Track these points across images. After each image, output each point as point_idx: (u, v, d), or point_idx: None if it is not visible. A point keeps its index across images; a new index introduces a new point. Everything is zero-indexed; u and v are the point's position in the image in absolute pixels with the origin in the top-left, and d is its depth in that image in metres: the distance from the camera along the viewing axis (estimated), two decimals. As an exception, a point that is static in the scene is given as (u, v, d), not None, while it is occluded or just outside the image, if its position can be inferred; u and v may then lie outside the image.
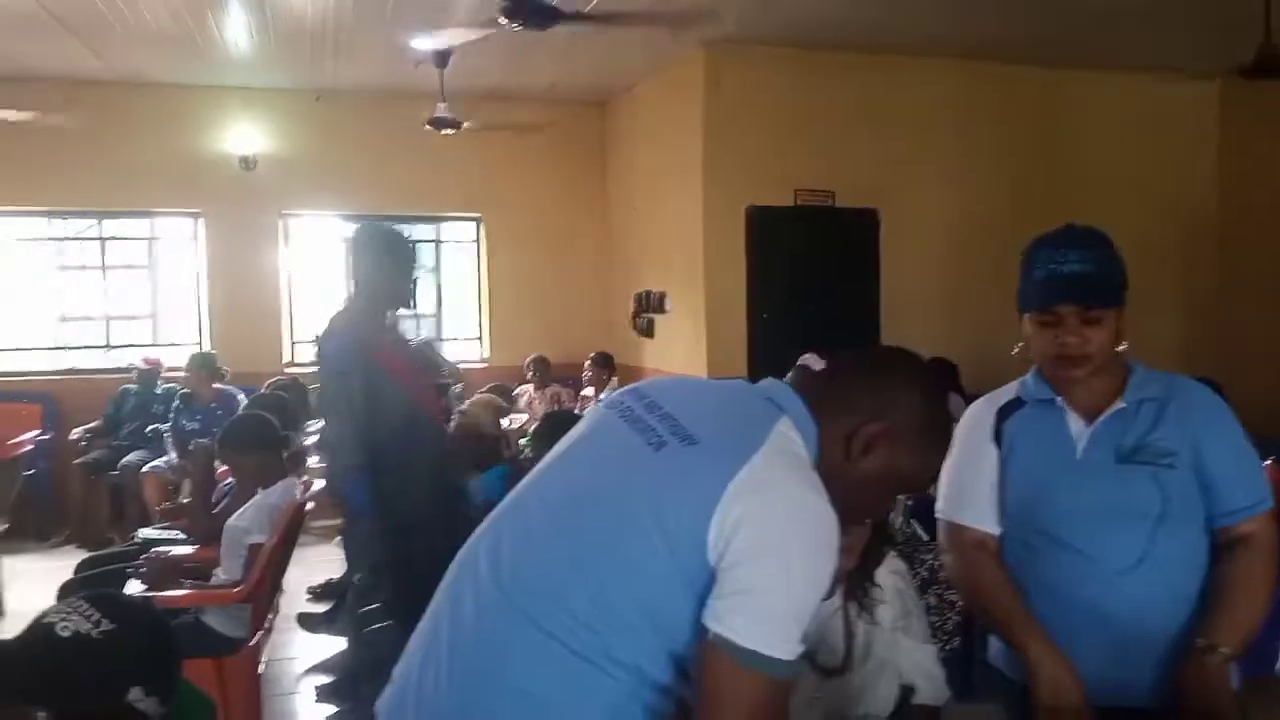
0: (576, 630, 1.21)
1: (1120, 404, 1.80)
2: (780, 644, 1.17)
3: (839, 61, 6.35)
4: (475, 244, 8.20)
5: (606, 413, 1.40)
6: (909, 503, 4.33)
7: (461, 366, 7.32)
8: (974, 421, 1.94)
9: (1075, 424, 1.83)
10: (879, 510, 1.53)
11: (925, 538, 3.98)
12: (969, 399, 2.13)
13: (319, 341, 3.06)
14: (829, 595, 1.79)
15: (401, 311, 3.18)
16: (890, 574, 1.97)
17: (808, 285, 6.52)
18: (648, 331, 7.44)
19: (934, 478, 1.56)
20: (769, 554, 1.18)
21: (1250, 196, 7.07)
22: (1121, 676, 1.74)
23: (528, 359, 7.07)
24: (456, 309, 8.32)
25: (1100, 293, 1.75)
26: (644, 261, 7.54)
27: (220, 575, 3.39)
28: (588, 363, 6.55)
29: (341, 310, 3.10)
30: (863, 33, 5.97)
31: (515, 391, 6.77)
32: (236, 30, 5.96)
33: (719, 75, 6.31)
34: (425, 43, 5.88)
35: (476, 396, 4.40)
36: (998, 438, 1.89)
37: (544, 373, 6.96)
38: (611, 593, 1.21)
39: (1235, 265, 7.13)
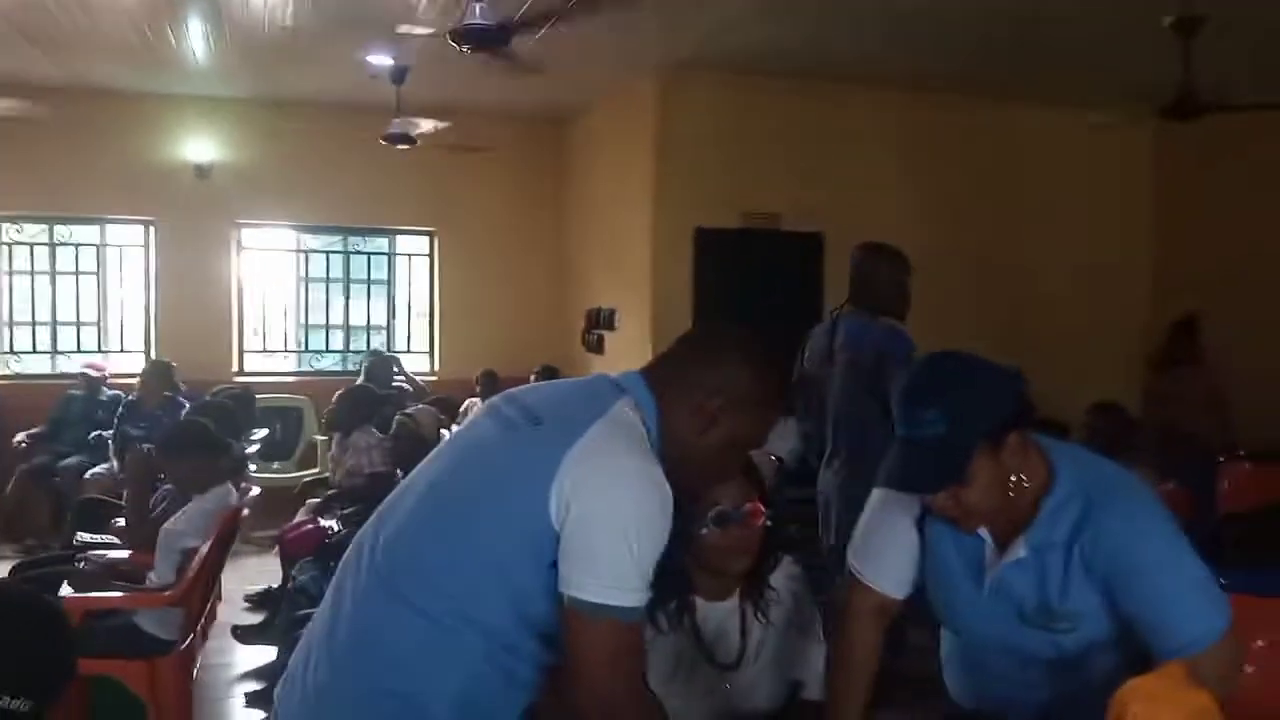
0: (438, 601, 1.36)
1: (1020, 553, 1.60)
2: (626, 594, 1.33)
3: (786, 88, 6.52)
4: (428, 258, 8.27)
5: (480, 411, 1.57)
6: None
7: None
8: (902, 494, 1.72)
9: (989, 552, 1.66)
10: (725, 474, 1.68)
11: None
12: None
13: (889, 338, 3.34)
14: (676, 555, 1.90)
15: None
16: (786, 578, 2.08)
17: (754, 305, 6.66)
18: (597, 348, 7.55)
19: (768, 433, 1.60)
20: (604, 515, 1.33)
21: (1184, 230, 7.33)
22: None
23: (477, 373, 7.14)
24: (408, 322, 8.40)
25: (950, 468, 1.53)
26: (596, 279, 7.66)
27: (153, 579, 3.42)
28: (533, 377, 6.63)
29: (860, 312, 3.47)
30: (808, 61, 6.15)
31: (463, 406, 6.84)
32: (195, 40, 6.01)
33: (671, 99, 6.46)
34: (381, 58, 5.97)
35: (423, 406, 4.56)
36: (920, 526, 1.74)
37: (492, 387, 7.02)
38: (469, 564, 1.36)
39: (1169, 300, 7.35)
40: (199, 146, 7.38)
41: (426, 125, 5.98)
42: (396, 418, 4.29)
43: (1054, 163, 7.22)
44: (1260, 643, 2.23)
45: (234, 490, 3.58)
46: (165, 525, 3.43)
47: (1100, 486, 1.59)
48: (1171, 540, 1.57)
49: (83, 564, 3.49)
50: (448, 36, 3.82)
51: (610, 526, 1.32)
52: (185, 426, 3.72)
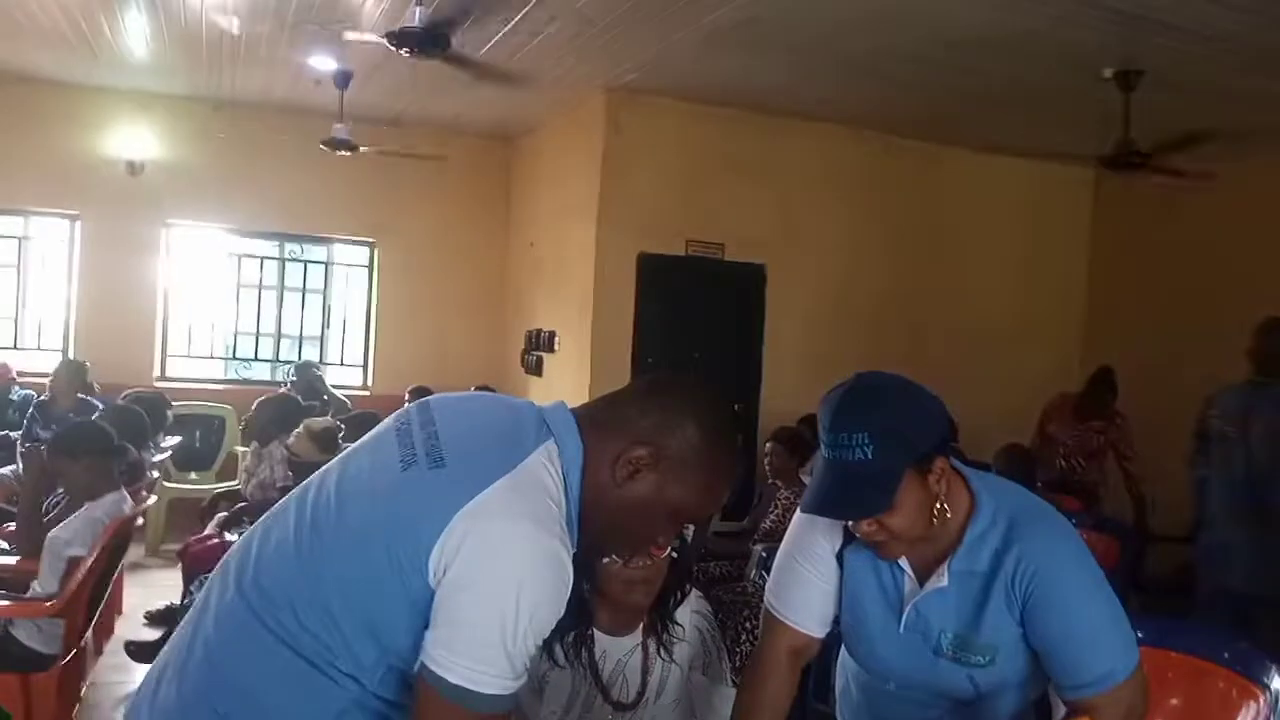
0: (303, 637, 1.21)
1: (943, 581, 1.58)
2: (486, 679, 1.15)
3: (733, 118, 6.52)
4: (367, 270, 8.09)
5: (390, 422, 1.39)
6: (763, 554, 4.41)
7: (343, 394, 7.18)
8: (824, 525, 1.68)
9: (909, 584, 1.63)
10: (647, 539, 1.47)
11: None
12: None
13: None
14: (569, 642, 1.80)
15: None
16: (692, 613, 1.99)
17: (694, 334, 6.61)
18: (536, 370, 7.43)
19: (711, 513, 1.51)
20: (480, 587, 1.16)
21: (1117, 282, 7.46)
22: None
23: (407, 389, 6.97)
24: (343, 334, 8.19)
25: (877, 493, 1.49)
26: (538, 300, 7.55)
27: (37, 588, 3.22)
28: (468, 396, 6.49)
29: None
30: (756, 92, 6.16)
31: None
32: (133, 34, 5.82)
33: (619, 121, 6.41)
34: (324, 62, 5.84)
35: (302, 426, 4.18)
36: (840, 559, 1.69)
37: (423, 405, 6.85)
38: (338, 606, 1.21)
39: (1098, 348, 7.45)
40: (132, 142, 7.14)
41: (366, 148, 5.82)
42: (295, 431, 4.08)
43: (995, 207, 7.32)
44: (1175, 700, 2.18)
45: (128, 498, 3.38)
46: (52, 532, 3.23)
47: (1023, 514, 1.57)
48: (1091, 572, 1.55)
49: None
50: (387, 40, 3.71)
51: (486, 601, 1.15)
52: (79, 428, 3.52)
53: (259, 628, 1.23)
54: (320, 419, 4.37)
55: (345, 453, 1.40)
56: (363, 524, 1.24)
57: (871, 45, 5.12)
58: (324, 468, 1.39)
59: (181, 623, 1.36)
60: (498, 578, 1.16)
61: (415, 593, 1.18)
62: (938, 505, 1.53)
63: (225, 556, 1.37)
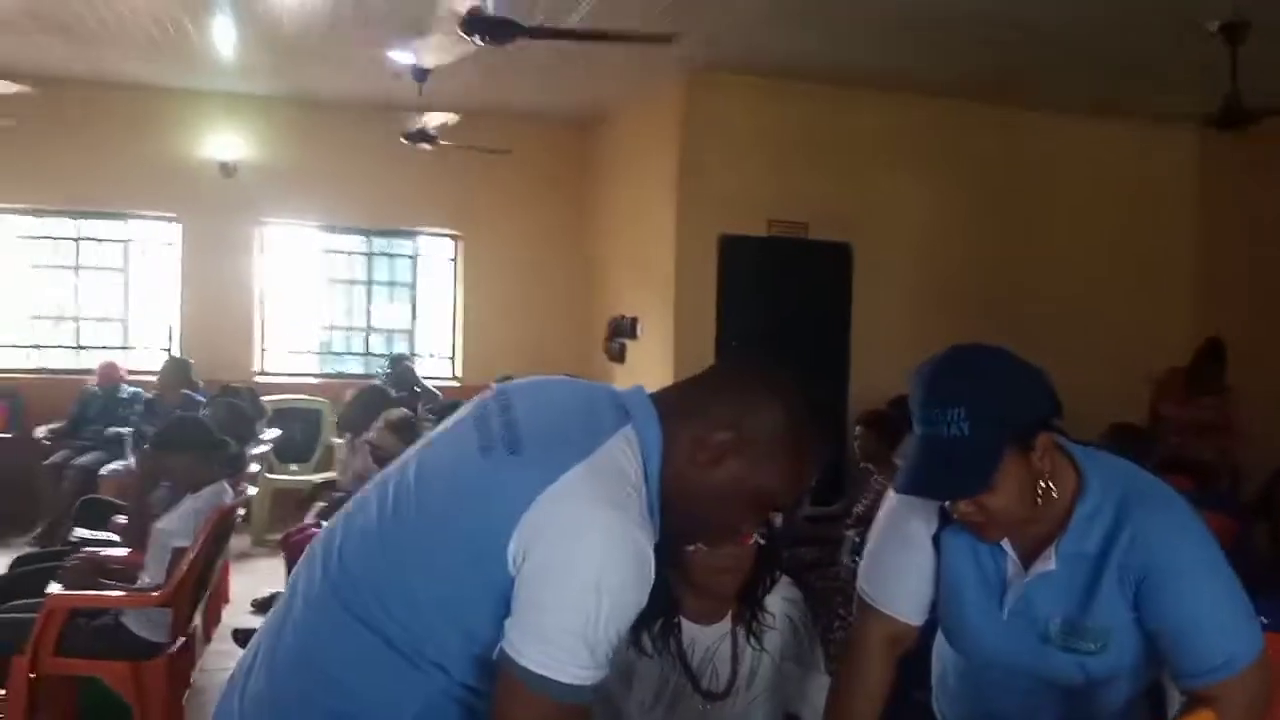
0: (390, 625, 1.21)
1: (1050, 565, 1.48)
2: (565, 667, 1.13)
3: (812, 93, 6.38)
4: (453, 261, 8.20)
5: (468, 409, 1.38)
6: (856, 539, 4.31)
7: (433, 384, 7.30)
8: (920, 506, 1.59)
9: (1012, 568, 1.53)
10: (731, 526, 1.42)
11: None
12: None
13: None
14: (653, 630, 1.76)
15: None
16: (782, 600, 1.93)
17: (779, 315, 6.51)
18: (619, 356, 7.43)
19: (797, 498, 1.46)
20: (559, 573, 1.14)
21: (1231, 248, 7.03)
22: None
23: (495, 379, 7.05)
24: (430, 326, 8.33)
25: (975, 471, 1.40)
26: (620, 286, 7.54)
27: (145, 578, 3.34)
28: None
29: None
30: (836, 67, 6.02)
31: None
32: (218, 36, 5.99)
33: (696, 103, 6.34)
34: (403, 56, 5.91)
35: (381, 419, 4.23)
36: (937, 542, 1.60)
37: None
38: (421, 593, 1.21)
39: (1209, 316, 7.07)
40: (225, 143, 7.36)
41: (438, 119, 5.87)
42: (374, 425, 4.15)
43: (1093, 172, 7.01)
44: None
45: (229, 490, 3.49)
46: (157, 524, 3.36)
47: (1135, 492, 1.48)
48: (1210, 551, 1.45)
49: (72, 561, 3.41)
50: (458, 25, 3.73)
51: (564, 588, 1.13)
52: (179, 423, 3.64)
53: (346, 615, 1.23)
54: (397, 410, 4.43)
55: (425, 440, 1.39)
56: (442, 510, 1.23)
57: (956, 9, 4.93)
58: (404, 455, 1.38)
59: (271, 610, 1.37)
60: (576, 564, 1.14)
61: (495, 579, 1.16)
62: (1042, 484, 1.44)
63: (311, 544, 1.37)
